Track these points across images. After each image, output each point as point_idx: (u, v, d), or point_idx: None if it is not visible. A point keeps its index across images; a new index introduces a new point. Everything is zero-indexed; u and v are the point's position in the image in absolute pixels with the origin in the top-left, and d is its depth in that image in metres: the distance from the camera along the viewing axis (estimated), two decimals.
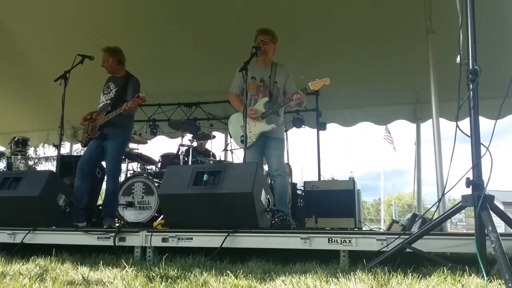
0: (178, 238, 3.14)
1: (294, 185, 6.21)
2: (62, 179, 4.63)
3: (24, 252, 3.24)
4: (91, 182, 4.66)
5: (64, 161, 5.51)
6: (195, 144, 6.23)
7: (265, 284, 2.12)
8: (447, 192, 2.78)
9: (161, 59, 6.58)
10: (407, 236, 2.53)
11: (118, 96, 4.55)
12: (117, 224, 5.13)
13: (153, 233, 3.19)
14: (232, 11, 5.65)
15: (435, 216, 2.91)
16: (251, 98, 4.30)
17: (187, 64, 6.65)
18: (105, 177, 5.78)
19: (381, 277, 2.11)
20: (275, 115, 4.28)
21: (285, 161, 4.82)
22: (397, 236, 2.67)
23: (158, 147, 8.23)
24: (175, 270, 2.41)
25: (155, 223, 4.40)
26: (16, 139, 5.67)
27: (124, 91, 4.55)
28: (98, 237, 3.35)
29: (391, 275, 2.16)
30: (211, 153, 6.76)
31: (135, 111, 4.59)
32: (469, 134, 2.37)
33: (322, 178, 7.11)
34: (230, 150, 7.16)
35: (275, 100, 4.28)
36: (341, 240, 2.81)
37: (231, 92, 4.49)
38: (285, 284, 2.10)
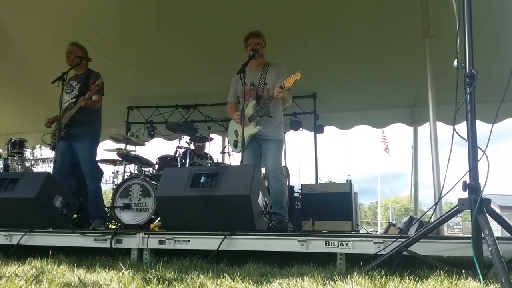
0: (175, 241, 3.13)
1: (291, 188, 6.20)
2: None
3: (20, 253, 3.21)
4: (82, 184, 4.62)
5: None
6: (192, 146, 6.23)
7: (262, 287, 2.12)
8: (444, 196, 2.79)
9: (159, 61, 6.58)
10: (404, 240, 2.53)
11: (82, 93, 4.47)
12: (113, 226, 5.12)
13: (150, 235, 3.18)
14: (230, 14, 5.66)
15: (432, 219, 2.93)
16: (243, 103, 4.27)
17: (185, 66, 6.65)
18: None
19: (378, 280, 2.11)
20: (267, 117, 4.17)
21: (283, 164, 4.81)
22: (394, 239, 2.67)
23: (155, 149, 8.18)
24: (172, 273, 2.40)
25: (152, 225, 4.39)
26: (13, 140, 5.63)
27: (87, 86, 4.47)
28: (94, 239, 3.33)
29: (388, 278, 2.15)
30: (208, 155, 6.75)
31: (98, 105, 4.48)
32: (466, 138, 2.38)
33: (319, 181, 7.12)
34: (228, 152, 7.15)
35: (264, 101, 4.23)
36: (338, 243, 2.81)
37: (228, 101, 4.50)
38: (282, 287, 2.10)
